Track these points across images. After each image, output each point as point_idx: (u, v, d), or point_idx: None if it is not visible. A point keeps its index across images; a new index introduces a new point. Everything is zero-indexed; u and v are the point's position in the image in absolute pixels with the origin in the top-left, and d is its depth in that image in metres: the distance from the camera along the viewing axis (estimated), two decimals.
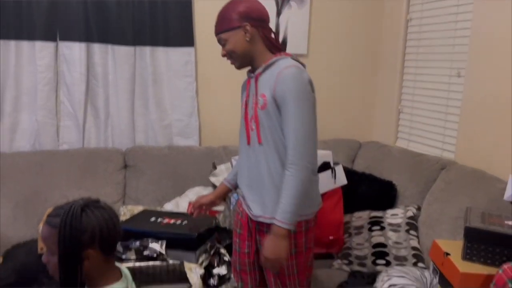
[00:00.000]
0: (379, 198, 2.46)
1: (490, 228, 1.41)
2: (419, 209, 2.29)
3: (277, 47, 1.60)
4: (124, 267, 1.30)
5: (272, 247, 1.49)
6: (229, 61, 1.63)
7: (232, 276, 1.95)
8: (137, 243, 1.96)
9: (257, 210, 1.62)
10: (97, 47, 2.55)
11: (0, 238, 2.17)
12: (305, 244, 1.64)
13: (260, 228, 1.65)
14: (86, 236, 1.11)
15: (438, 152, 2.61)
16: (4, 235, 2.19)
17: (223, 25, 1.55)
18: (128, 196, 2.49)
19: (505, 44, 2.11)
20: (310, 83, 1.53)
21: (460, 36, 2.44)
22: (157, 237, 1.97)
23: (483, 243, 1.42)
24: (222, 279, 2.00)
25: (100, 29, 2.53)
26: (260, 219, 1.61)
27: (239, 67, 1.62)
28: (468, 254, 1.45)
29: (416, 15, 2.80)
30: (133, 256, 1.96)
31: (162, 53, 2.67)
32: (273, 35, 1.61)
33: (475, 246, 1.43)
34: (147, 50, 2.63)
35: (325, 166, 2.35)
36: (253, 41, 1.56)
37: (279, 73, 1.48)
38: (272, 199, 1.57)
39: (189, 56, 2.70)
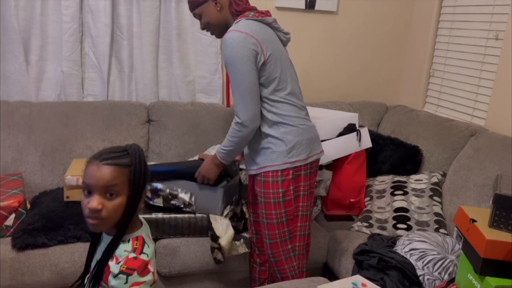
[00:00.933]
0: (404, 163, 2.42)
1: None
2: (444, 175, 2.25)
3: (238, 11, 1.66)
4: (140, 216, 1.33)
5: (206, 166, 1.83)
6: None
7: (246, 234, 2.00)
8: (167, 190, 1.98)
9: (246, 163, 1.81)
10: None
11: (29, 185, 2.23)
12: (294, 193, 1.68)
13: (253, 179, 1.78)
14: (148, 174, 1.16)
15: (468, 118, 2.53)
16: (32, 182, 2.25)
17: (194, 1, 1.68)
18: (151, 150, 2.50)
19: None
20: (244, 43, 1.55)
21: None
22: (183, 175, 2.00)
23: None
24: (237, 232, 2.02)
25: None
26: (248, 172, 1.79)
27: (219, 36, 1.73)
28: (496, 222, 1.42)
29: None
30: (160, 203, 1.99)
31: (187, 6, 2.60)
32: None
33: (503, 214, 1.40)
34: (172, 2, 2.57)
35: (350, 128, 2.30)
36: (224, 9, 1.67)
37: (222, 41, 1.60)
38: (249, 154, 1.75)
39: None
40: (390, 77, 3.10)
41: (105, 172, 1.08)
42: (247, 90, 1.57)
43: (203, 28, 1.75)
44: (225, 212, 2.00)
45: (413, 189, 2.21)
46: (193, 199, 1.98)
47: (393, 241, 1.98)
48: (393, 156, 2.45)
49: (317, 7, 2.81)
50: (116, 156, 1.11)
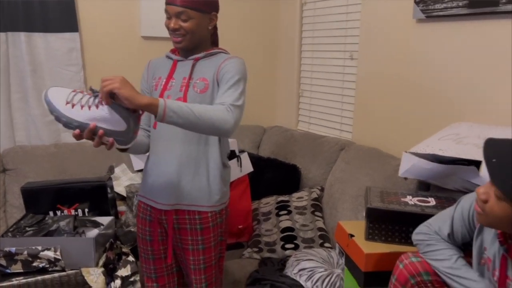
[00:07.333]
0: (285, 182, 2.48)
1: (389, 207, 1.46)
2: (322, 190, 2.35)
3: (216, 42, 1.67)
4: None
5: (129, 88, 1.25)
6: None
7: (137, 279, 1.84)
8: (25, 252, 1.72)
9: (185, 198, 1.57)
10: None
11: None
12: (225, 229, 1.67)
13: (180, 223, 1.58)
14: None
15: (337, 133, 2.70)
16: None
17: (195, 3, 1.50)
18: (9, 204, 2.18)
19: (393, 27, 2.21)
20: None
21: (352, 20, 2.51)
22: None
23: (384, 223, 1.47)
24: (125, 281, 1.85)
25: None
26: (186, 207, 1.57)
27: (186, 47, 1.55)
28: (371, 234, 1.49)
29: None
30: (20, 269, 1.72)
31: (41, 39, 2.37)
32: None
33: (376, 226, 1.48)
34: (21, 36, 2.31)
35: (230, 155, 2.28)
36: (209, 31, 1.60)
37: (224, 60, 1.55)
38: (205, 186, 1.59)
39: (73, 43, 2.44)
40: (265, 100, 3.18)
41: None
42: (244, 104, 1.55)
43: (175, 29, 1.49)
44: (100, 262, 1.81)
45: (296, 207, 2.26)
46: (59, 253, 1.75)
47: (283, 263, 1.99)
48: (274, 176, 2.50)
49: None
50: None
